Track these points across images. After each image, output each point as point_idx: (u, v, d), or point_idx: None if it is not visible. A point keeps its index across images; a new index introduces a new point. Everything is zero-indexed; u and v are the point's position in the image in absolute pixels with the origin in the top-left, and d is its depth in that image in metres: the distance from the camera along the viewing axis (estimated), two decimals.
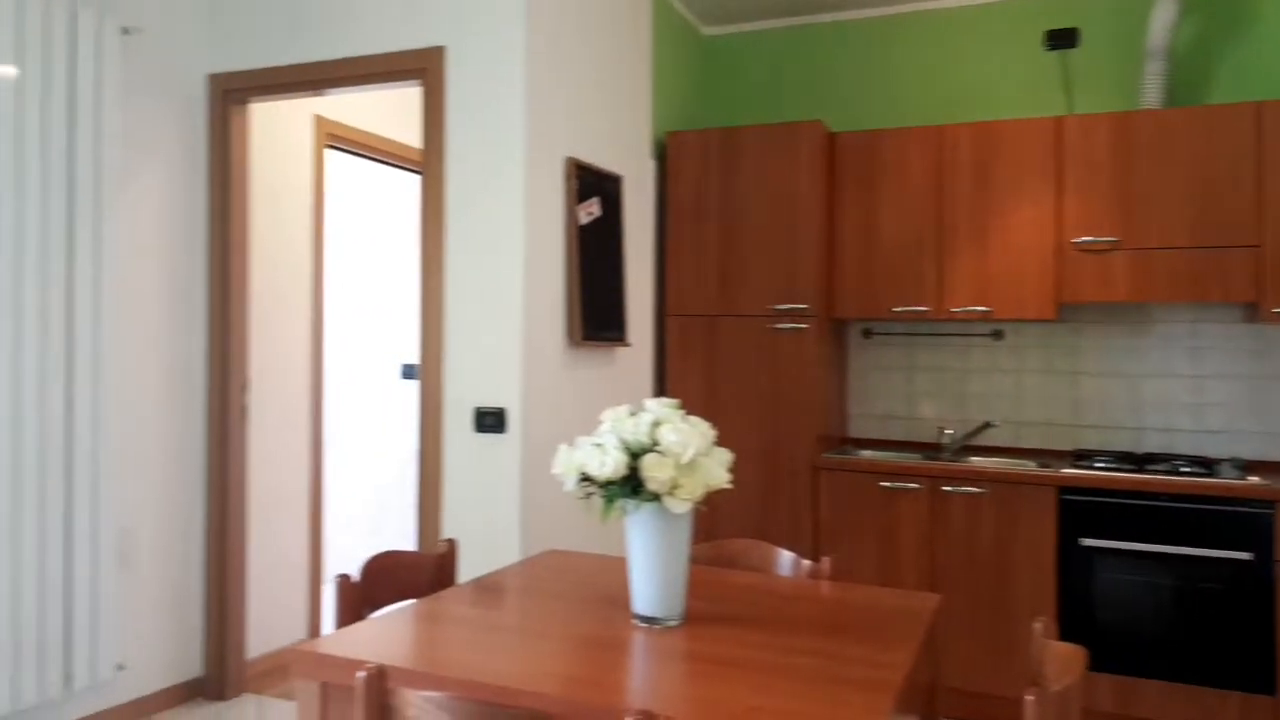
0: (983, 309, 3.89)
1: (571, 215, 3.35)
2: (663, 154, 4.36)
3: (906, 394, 4.39)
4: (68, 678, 2.98)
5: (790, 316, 4.00)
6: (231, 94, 3.56)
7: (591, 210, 3.49)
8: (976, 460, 3.91)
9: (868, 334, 4.45)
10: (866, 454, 4.10)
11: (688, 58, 4.68)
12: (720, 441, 4.10)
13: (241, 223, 3.63)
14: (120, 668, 3.16)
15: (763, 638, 1.77)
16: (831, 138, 4.18)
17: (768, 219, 4.05)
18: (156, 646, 3.41)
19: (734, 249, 4.12)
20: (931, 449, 4.24)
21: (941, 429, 4.18)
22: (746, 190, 4.10)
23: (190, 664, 3.55)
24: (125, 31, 3.17)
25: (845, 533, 3.88)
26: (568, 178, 3.35)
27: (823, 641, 1.75)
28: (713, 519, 4.12)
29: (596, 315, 3.49)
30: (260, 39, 3.51)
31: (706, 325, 4.17)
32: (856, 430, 4.48)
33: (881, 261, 4.09)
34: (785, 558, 2.38)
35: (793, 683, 1.54)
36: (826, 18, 4.60)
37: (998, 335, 4.23)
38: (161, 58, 3.41)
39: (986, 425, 4.03)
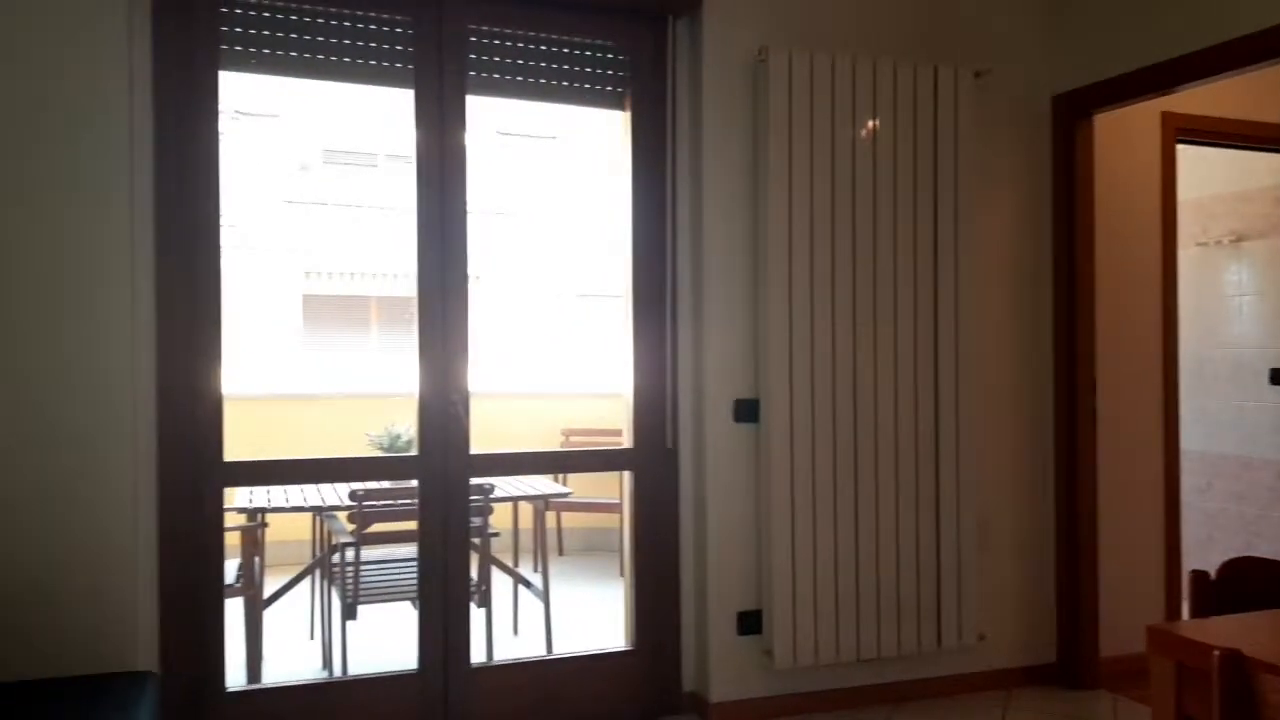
0: None
1: None
2: None
3: None
4: (939, 637, 3.45)
5: None
6: (1076, 109, 3.70)
7: None
8: None
9: None
10: None
11: None
12: None
13: (1088, 229, 3.73)
14: (981, 638, 3.53)
15: None
16: None
17: None
18: (1011, 627, 3.70)
19: None
20: None
21: None
22: None
23: (1042, 649, 3.75)
24: (977, 75, 3.57)
25: None
26: None
27: None
28: None
29: None
30: (1104, 53, 3.57)
31: None
32: None
33: None
34: None
35: None
36: None
37: None
38: (1007, 90, 3.73)
39: None
